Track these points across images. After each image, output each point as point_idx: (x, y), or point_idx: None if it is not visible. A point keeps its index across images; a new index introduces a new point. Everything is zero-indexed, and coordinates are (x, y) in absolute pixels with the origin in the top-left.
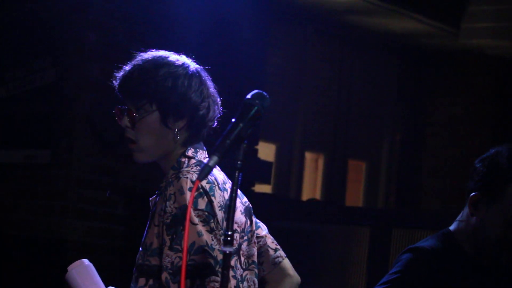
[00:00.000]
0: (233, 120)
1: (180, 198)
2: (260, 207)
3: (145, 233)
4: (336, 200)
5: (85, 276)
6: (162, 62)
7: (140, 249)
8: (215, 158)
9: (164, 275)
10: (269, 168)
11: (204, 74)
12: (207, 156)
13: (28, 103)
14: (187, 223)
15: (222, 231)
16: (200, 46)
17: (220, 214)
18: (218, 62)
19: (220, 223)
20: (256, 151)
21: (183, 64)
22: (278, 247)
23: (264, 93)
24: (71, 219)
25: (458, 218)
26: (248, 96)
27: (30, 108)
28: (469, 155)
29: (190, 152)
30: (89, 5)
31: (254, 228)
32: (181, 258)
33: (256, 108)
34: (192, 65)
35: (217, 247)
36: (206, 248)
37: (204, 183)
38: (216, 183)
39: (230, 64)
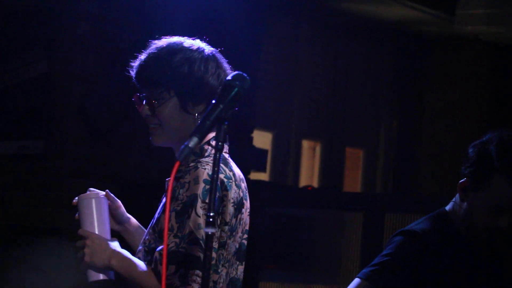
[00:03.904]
0: (213, 101)
1: (193, 187)
2: (255, 194)
3: (157, 215)
4: (333, 187)
5: (100, 208)
6: (177, 48)
7: (150, 231)
8: (195, 139)
9: (156, 254)
10: (265, 156)
11: (220, 57)
12: (227, 146)
13: (21, 95)
14: (168, 205)
15: (227, 228)
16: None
17: (231, 210)
18: None
19: (228, 218)
20: (251, 139)
21: (198, 48)
22: None
23: (244, 74)
24: (65, 208)
25: (454, 199)
26: (228, 77)
27: (23, 99)
28: (466, 140)
29: (214, 142)
30: None
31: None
32: (176, 243)
33: (236, 89)
34: (208, 49)
35: (214, 245)
36: (201, 242)
37: (222, 176)
38: (233, 179)
39: (223, 52)
